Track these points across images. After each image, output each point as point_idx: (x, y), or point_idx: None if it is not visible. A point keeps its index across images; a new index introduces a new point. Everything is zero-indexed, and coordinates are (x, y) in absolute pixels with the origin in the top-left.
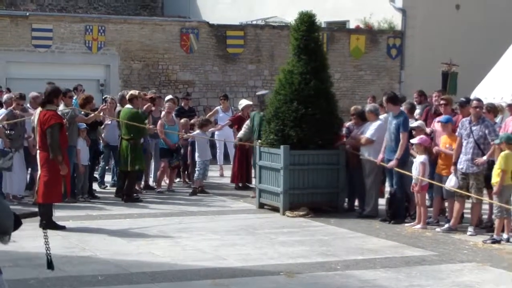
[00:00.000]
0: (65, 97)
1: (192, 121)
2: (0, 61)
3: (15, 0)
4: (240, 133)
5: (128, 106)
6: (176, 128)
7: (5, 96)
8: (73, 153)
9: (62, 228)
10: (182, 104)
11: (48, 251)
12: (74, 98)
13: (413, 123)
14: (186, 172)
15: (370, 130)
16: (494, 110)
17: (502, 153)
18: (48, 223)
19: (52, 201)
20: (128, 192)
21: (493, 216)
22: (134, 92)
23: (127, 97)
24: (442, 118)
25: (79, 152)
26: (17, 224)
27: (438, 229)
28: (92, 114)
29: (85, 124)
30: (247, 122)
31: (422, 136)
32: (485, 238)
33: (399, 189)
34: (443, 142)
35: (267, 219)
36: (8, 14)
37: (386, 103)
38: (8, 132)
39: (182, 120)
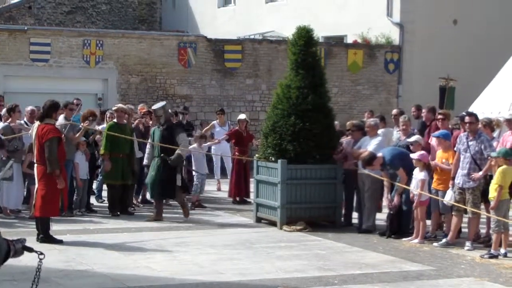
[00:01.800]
0: (66, 110)
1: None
2: None
3: (14, 14)
4: (146, 157)
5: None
6: None
7: (3, 110)
8: (70, 167)
9: (60, 242)
10: (180, 118)
11: (38, 274)
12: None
13: (410, 138)
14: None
15: (371, 145)
16: (490, 125)
17: (500, 168)
18: (45, 237)
19: (49, 215)
20: (128, 204)
21: (491, 231)
22: (118, 106)
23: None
24: (437, 133)
25: (77, 166)
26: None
27: (435, 244)
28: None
29: (84, 138)
30: (148, 144)
31: (422, 152)
32: (482, 253)
33: (406, 204)
34: (439, 157)
35: (265, 233)
36: (6, 28)
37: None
38: (12, 144)
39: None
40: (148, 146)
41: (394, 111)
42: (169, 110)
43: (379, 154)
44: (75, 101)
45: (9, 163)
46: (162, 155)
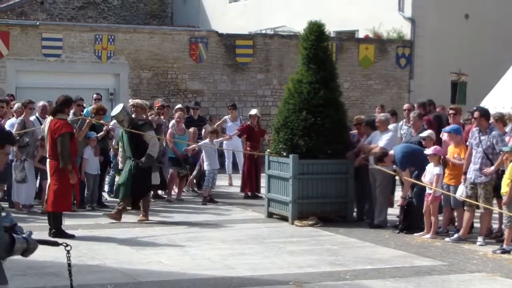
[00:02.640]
0: (77, 106)
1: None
2: (10, 70)
3: (26, 9)
4: (119, 161)
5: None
6: (186, 138)
7: (15, 106)
8: (79, 162)
9: (72, 237)
10: (192, 114)
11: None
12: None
13: (422, 133)
14: (194, 181)
15: (383, 140)
16: (502, 119)
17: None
18: (57, 232)
19: (61, 210)
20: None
21: (503, 226)
22: (135, 101)
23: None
24: (448, 128)
25: (85, 161)
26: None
27: (447, 239)
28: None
29: (95, 133)
30: (120, 148)
31: (436, 146)
32: (494, 248)
33: (419, 199)
34: (450, 152)
35: (276, 228)
36: (18, 23)
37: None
38: (23, 139)
39: (191, 129)
40: (120, 150)
41: (406, 106)
42: (129, 111)
43: (391, 152)
44: (94, 95)
45: (21, 165)
46: (132, 158)
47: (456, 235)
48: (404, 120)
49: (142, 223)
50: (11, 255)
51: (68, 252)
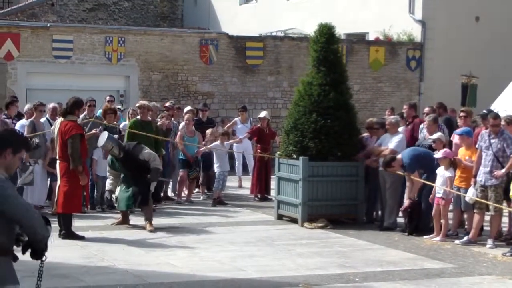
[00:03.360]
0: (88, 107)
1: (207, 131)
2: (21, 72)
3: (36, 11)
4: (110, 183)
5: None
6: (196, 139)
7: (26, 107)
8: (88, 164)
9: (82, 238)
10: (200, 116)
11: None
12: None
13: (432, 135)
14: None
15: (393, 142)
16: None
17: None
18: (67, 233)
19: (71, 211)
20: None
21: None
22: (141, 103)
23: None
24: (459, 130)
25: (95, 162)
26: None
27: (457, 242)
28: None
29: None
30: (108, 172)
31: (446, 149)
32: (504, 251)
33: (427, 201)
34: (461, 155)
35: (286, 230)
36: (29, 25)
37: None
38: (33, 141)
39: (208, 131)
40: (109, 173)
41: (426, 109)
42: (114, 138)
43: (399, 156)
44: (108, 97)
45: (29, 168)
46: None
47: (466, 238)
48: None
49: (153, 225)
50: (47, 234)
51: (42, 262)
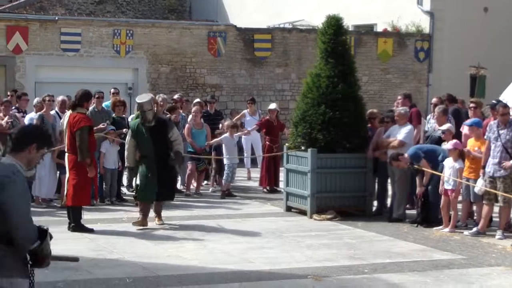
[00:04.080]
0: (96, 99)
1: (225, 122)
2: (29, 65)
3: (45, 4)
4: (127, 157)
5: None
6: (204, 132)
7: (35, 100)
8: (97, 156)
9: (91, 231)
10: (208, 108)
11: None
12: (105, 103)
13: (442, 126)
14: (216, 175)
15: (402, 133)
16: None
17: None
18: (76, 226)
19: (81, 204)
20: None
21: None
22: (163, 96)
23: None
24: (469, 121)
25: (103, 155)
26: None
27: (466, 233)
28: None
29: (113, 127)
30: (129, 137)
31: (456, 140)
32: None
33: (434, 193)
34: (471, 145)
35: (295, 222)
36: (37, 18)
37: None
38: None
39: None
40: (126, 145)
41: (434, 100)
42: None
43: (405, 154)
44: (112, 90)
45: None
46: (157, 156)
47: (475, 229)
48: (432, 114)
49: (162, 218)
50: (37, 247)
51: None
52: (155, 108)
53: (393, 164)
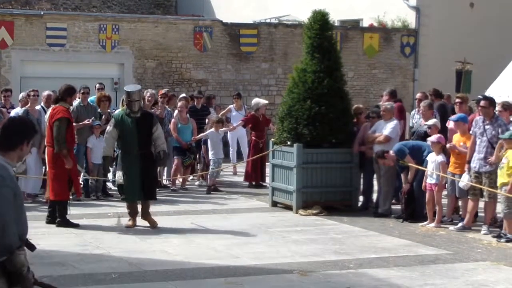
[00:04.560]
0: (82, 94)
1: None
2: (15, 60)
3: None
4: (104, 147)
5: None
6: (190, 127)
7: (20, 95)
8: (82, 151)
9: (76, 226)
10: (195, 103)
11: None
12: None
13: (428, 121)
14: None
15: (387, 129)
16: (510, 108)
17: (510, 152)
18: (62, 221)
19: (62, 198)
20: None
21: (501, 215)
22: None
23: None
24: (455, 116)
25: (89, 150)
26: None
27: (452, 228)
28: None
29: (99, 122)
30: (110, 127)
31: (439, 135)
32: (499, 237)
33: (419, 189)
34: (456, 140)
35: (280, 217)
36: (23, 13)
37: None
38: None
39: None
40: (106, 135)
41: (418, 95)
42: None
43: (391, 151)
44: (97, 85)
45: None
46: (141, 151)
47: (460, 224)
48: (416, 109)
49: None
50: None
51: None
52: (142, 101)
53: (379, 162)
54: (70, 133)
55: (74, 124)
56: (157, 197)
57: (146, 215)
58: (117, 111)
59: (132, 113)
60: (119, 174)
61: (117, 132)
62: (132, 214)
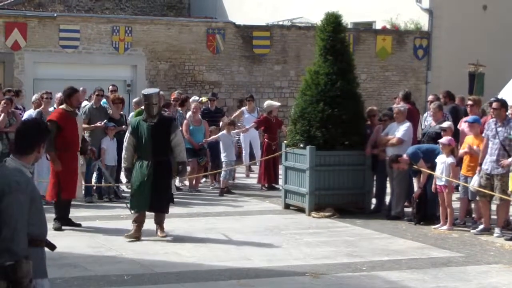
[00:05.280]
0: (96, 96)
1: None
2: (28, 62)
3: (43, 1)
4: (124, 157)
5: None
6: (202, 128)
7: (33, 97)
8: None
9: (78, 225)
10: (209, 105)
11: None
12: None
13: (442, 124)
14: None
15: (400, 131)
16: None
17: None
18: (63, 220)
19: (49, 199)
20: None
21: None
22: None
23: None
24: (469, 118)
25: (103, 151)
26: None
27: (473, 231)
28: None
29: (113, 123)
30: (128, 134)
31: (449, 137)
32: None
33: (431, 191)
34: (469, 143)
35: (293, 219)
36: (36, 15)
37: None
38: None
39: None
40: (125, 144)
41: (430, 97)
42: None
43: (404, 155)
44: (110, 87)
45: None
46: (155, 159)
47: (481, 227)
48: (429, 111)
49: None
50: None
51: None
52: (161, 104)
53: (393, 166)
54: (61, 137)
55: (85, 125)
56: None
57: (158, 228)
58: (133, 118)
59: (149, 118)
60: (131, 182)
61: (135, 139)
62: (137, 223)
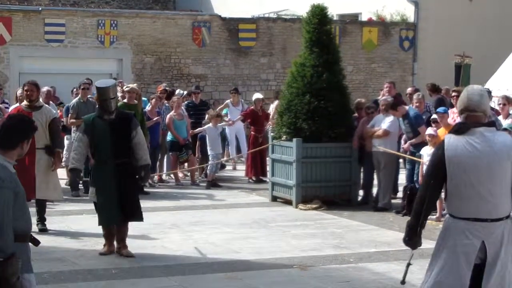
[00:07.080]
0: (82, 90)
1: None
2: (13, 56)
3: None
4: (74, 158)
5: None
6: (185, 123)
7: (18, 91)
8: None
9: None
10: (193, 99)
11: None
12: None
13: (433, 115)
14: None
15: (386, 122)
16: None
17: None
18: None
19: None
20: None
21: None
22: (131, 87)
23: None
24: (440, 109)
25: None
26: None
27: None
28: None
29: None
30: (80, 133)
31: (435, 128)
32: None
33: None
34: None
35: (280, 212)
36: (21, 9)
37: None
38: None
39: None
40: (75, 143)
41: (409, 90)
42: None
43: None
44: (85, 80)
45: None
46: (117, 160)
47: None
48: (411, 104)
49: (147, 208)
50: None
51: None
52: (119, 97)
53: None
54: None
55: (73, 120)
56: (157, 193)
57: (121, 246)
58: (87, 115)
59: (106, 115)
60: (92, 190)
61: (88, 138)
62: (108, 237)
